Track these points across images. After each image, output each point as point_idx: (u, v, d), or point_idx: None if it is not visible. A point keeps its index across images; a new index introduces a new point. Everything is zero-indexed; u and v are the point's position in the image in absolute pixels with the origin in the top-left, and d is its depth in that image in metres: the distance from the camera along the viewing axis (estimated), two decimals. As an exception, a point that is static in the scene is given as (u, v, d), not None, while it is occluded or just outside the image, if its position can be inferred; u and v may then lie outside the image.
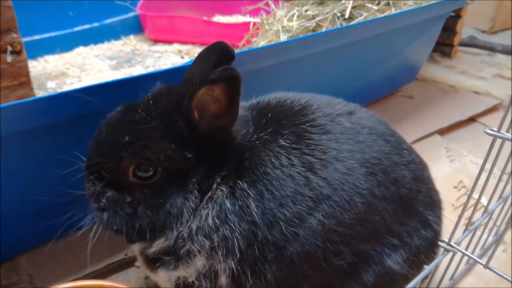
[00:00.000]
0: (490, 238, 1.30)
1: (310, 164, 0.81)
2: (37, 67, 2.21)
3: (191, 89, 0.73)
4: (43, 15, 2.33)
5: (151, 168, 0.78)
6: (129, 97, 0.86)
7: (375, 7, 1.81)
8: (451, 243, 0.95)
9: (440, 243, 0.95)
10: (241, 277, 0.80)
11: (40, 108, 0.94)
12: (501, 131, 0.77)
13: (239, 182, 0.80)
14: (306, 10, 1.90)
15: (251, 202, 0.78)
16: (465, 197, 1.57)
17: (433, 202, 0.97)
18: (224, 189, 0.80)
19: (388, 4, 1.83)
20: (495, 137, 0.79)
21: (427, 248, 0.94)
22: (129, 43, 2.59)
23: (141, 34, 2.71)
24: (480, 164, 1.73)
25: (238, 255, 0.78)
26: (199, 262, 0.81)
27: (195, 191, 0.79)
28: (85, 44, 2.48)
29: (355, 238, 0.83)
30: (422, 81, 2.43)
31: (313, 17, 1.87)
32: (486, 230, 1.23)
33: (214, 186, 0.80)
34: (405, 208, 0.90)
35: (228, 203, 0.79)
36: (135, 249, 0.91)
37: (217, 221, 0.79)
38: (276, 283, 0.82)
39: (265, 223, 0.78)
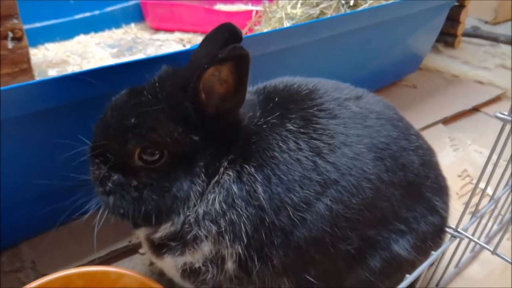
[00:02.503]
0: (495, 227, 1.30)
1: (317, 148, 0.80)
2: (37, 55, 2.19)
3: (199, 69, 0.72)
4: (44, 3, 2.30)
5: (157, 152, 0.77)
6: (133, 81, 0.84)
7: (380, -5, 1.80)
8: (459, 229, 0.95)
9: (447, 229, 0.95)
10: (248, 262, 0.80)
11: (43, 91, 0.93)
12: (512, 115, 0.76)
13: (246, 166, 0.79)
14: (310, -2, 1.88)
15: (258, 186, 0.77)
16: (470, 186, 1.57)
17: (441, 188, 0.96)
18: (231, 173, 0.79)
19: (392, -9, 1.81)
20: (505, 122, 0.78)
21: (434, 234, 0.93)
22: (130, 32, 2.57)
23: (142, 22, 2.69)
24: (484, 153, 1.76)
25: (245, 240, 0.78)
26: (206, 247, 0.80)
27: (202, 174, 0.78)
28: (86, 32, 2.46)
29: (362, 224, 0.82)
30: (426, 71, 2.42)
31: (317, 4, 1.85)
32: (491, 219, 1.22)
33: (221, 170, 0.79)
34: (413, 194, 0.89)
35: (235, 188, 0.78)
36: (141, 234, 0.90)
37: (224, 205, 0.78)
38: (283, 268, 0.81)
39: (272, 208, 0.77)
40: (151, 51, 2.32)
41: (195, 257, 0.82)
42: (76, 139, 0.82)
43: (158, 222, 0.81)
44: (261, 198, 0.77)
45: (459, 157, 1.74)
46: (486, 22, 3.18)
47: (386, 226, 0.86)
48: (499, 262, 1.20)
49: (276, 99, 0.86)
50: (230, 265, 0.82)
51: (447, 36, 2.66)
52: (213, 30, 0.82)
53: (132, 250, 1.25)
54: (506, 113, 0.76)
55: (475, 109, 2.09)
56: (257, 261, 0.80)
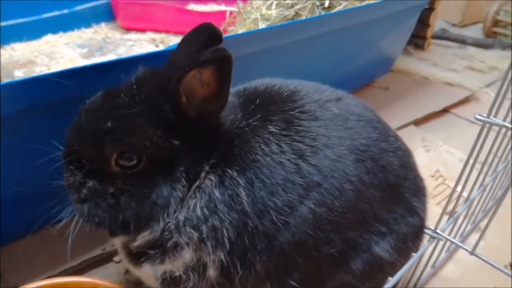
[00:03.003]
0: (468, 226, 1.33)
1: (300, 151, 0.79)
2: (4, 55, 2.10)
3: (179, 71, 0.70)
4: (10, 1, 2.21)
5: (135, 157, 0.74)
6: (108, 82, 0.81)
7: (354, -3, 1.81)
8: (437, 231, 0.96)
9: (426, 230, 0.96)
10: (230, 269, 0.78)
11: (10, 94, 0.88)
12: (490, 117, 0.77)
13: (228, 170, 0.77)
14: (285, -1, 1.88)
15: (241, 191, 0.76)
16: (443, 186, 1.60)
17: (419, 189, 0.97)
18: (212, 178, 0.77)
19: (366, -7, 1.83)
20: (484, 123, 0.79)
21: (414, 235, 0.93)
22: (100, 31, 2.50)
23: (112, 22, 2.63)
24: (455, 154, 1.80)
25: (227, 246, 0.76)
26: (187, 254, 0.77)
27: (183, 180, 0.76)
28: (54, 31, 2.38)
29: (345, 226, 0.82)
30: (397, 73, 2.46)
31: (292, 5, 1.85)
32: (465, 219, 1.25)
33: (203, 174, 0.77)
34: (393, 195, 0.89)
35: (217, 193, 0.76)
36: (117, 243, 0.87)
37: (206, 211, 0.76)
38: (266, 274, 0.80)
39: (255, 212, 0.76)
40: (123, 52, 2.26)
41: (176, 265, 0.79)
42: (49, 144, 0.79)
43: (137, 230, 0.78)
44: (244, 202, 0.75)
45: (431, 158, 1.78)
46: (453, 25, 3.27)
47: (367, 228, 0.86)
48: (473, 261, 1.23)
49: (257, 101, 0.84)
50: (212, 272, 0.79)
51: (417, 39, 2.72)
52: (192, 30, 0.80)
53: (107, 258, 1.21)
54: (485, 115, 0.77)
55: (445, 110, 2.14)
56: (239, 267, 0.78)
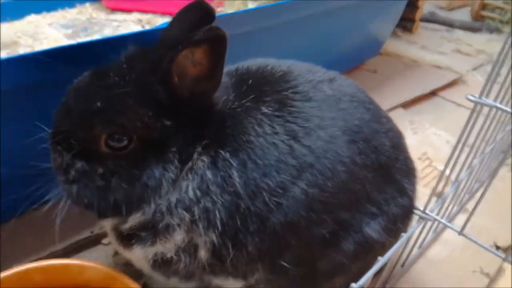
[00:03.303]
0: (455, 208, 1.34)
1: (293, 132, 0.78)
2: (-16, 36, 2.04)
3: (171, 51, 0.68)
4: (-11, -20, 2.14)
5: (125, 138, 0.72)
6: (95, 62, 0.79)
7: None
8: (426, 212, 0.97)
9: (415, 211, 0.97)
10: (222, 250, 0.78)
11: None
12: (482, 97, 0.77)
13: (221, 151, 0.76)
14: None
15: (234, 172, 0.75)
16: (430, 168, 1.61)
17: (409, 170, 0.97)
18: (205, 159, 0.76)
19: (356, -25, 1.81)
20: (476, 104, 0.79)
21: (403, 215, 0.94)
22: (85, 12, 2.42)
23: (97, 2, 2.55)
24: (442, 136, 1.81)
25: (219, 228, 0.75)
26: (179, 236, 0.77)
27: (176, 161, 0.75)
28: (37, 11, 2.29)
29: (337, 207, 0.82)
30: (386, 55, 2.46)
31: (282, -14, 1.82)
32: (452, 200, 1.26)
33: (195, 155, 0.76)
34: (384, 176, 0.90)
35: (209, 174, 0.75)
36: (106, 225, 0.86)
37: (198, 192, 0.75)
38: (258, 255, 0.80)
39: (248, 193, 0.75)
40: (108, 32, 2.20)
41: (167, 246, 0.79)
42: (34, 125, 0.77)
43: (128, 212, 0.77)
44: (237, 184, 0.75)
45: (418, 140, 1.79)
46: (441, 8, 3.27)
47: (358, 209, 0.86)
48: (459, 241, 1.25)
49: (250, 81, 0.83)
50: (203, 254, 0.79)
51: (406, 21, 2.71)
52: (183, 8, 0.78)
53: (95, 240, 1.20)
54: (477, 96, 0.77)
55: (433, 93, 2.16)
56: (231, 248, 0.78)
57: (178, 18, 0.78)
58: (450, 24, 2.89)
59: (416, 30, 2.77)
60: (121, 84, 0.72)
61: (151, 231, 0.78)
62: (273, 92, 0.82)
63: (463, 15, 3.13)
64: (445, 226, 0.97)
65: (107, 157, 0.73)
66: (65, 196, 0.77)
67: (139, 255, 0.82)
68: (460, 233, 0.92)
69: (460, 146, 0.88)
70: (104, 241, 1.19)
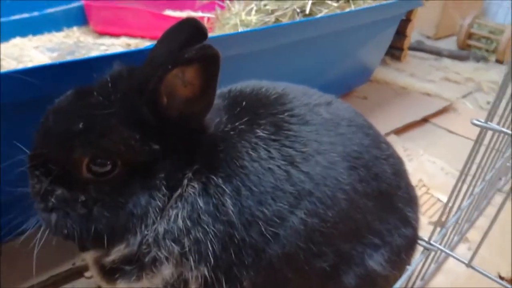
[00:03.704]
0: (455, 238, 1.30)
1: (290, 157, 0.73)
2: (-34, 58, 1.98)
3: (161, 69, 0.63)
4: (-26, 1, 2.10)
5: (108, 162, 0.66)
6: (78, 83, 0.74)
7: (335, 4, 1.79)
8: (431, 242, 0.92)
9: (420, 242, 0.92)
10: (214, 285, 0.71)
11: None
12: (488, 122, 0.73)
13: (213, 177, 0.70)
14: (265, 5, 1.84)
15: (227, 199, 0.69)
16: (426, 196, 1.57)
17: (411, 198, 0.93)
18: (196, 185, 0.70)
19: (348, 1, 1.81)
20: (482, 128, 0.76)
21: (408, 246, 0.89)
22: (72, 35, 2.40)
23: (85, 26, 2.53)
24: (437, 163, 1.78)
25: (212, 261, 0.69)
26: (167, 270, 0.70)
27: (163, 187, 0.69)
28: (23, 34, 2.26)
29: (337, 238, 0.76)
30: (375, 83, 2.46)
31: (273, 11, 1.81)
32: (453, 230, 1.22)
33: (185, 182, 0.70)
34: (386, 205, 0.85)
35: (200, 202, 0.69)
36: (88, 258, 0.79)
37: (188, 222, 0.69)
38: None
39: (242, 223, 0.69)
40: (96, 56, 2.17)
41: (154, 282, 0.72)
42: (12, 147, 0.71)
43: (111, 244, 0.70)
44: (230, 212, 0.69)
45: (413, 167, 1.75)
46: (428, 37, 3.31)
47: (360, 240, 0.81)
48: (462, 271, 1.20)
49: (244, 103, 0.78)
50: None
51: (394, 50, 2.73)
52: (174, 25, 0.73)
53: (77, 273, 1.12)
54: (483, 121, 0.73)
55: (424, 120, 2.15)
56: (225, 283, 0.71)
57: (168, 36, 0.73)
58: (437, 53, 2.92)
59: (405, 58, 2.80)
60: (105, 104, 0.66)
61: (137, 264, 0.71)
62: (268, 115, 0.77)
63: (449, 44, 3.18)
64: (451, 257, 0.91)
65: (89, 182, 0.67)
66: (44, 225, 0.70)
67: None
68: (468, 265, 0.87)
69: (463, 176, 0.84)
70: (87, 274, 1.12)
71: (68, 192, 0.68)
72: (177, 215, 0.69)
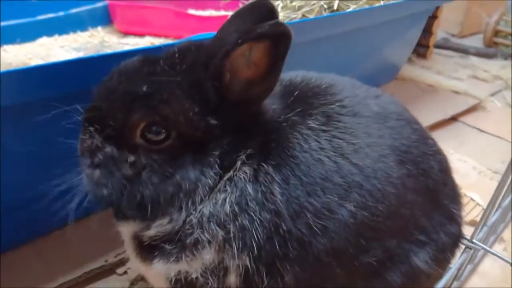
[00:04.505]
0: (491, 238, 1.26)
1: (341, 148, 0.71)
2: (-4, 57, 2.00)
3: (229, 44, 0.61)
4: (3, 2, 2.12)
5: (163, 130, 0.65)
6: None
7: (364, 0, 1.76)
8: (474, 240, 0.89)
9: (463, 240, 0.89)
10: (254, 277, 0.69)
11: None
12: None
13: (264, 164, 0.68)
14: (292, 1, 1.82)
15: (276, 188, 0.67)
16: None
17: (456, 196, 0.90)
18: (247, 170, 0.68)
19: (375, -3, 1.78)
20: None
21: (453, 244, 0.86)
22: (97, 35, 2.41)
23: (109, 26, 2.54)
24: (468, 162, 1.74)
25: (255, 251, 0.67)
26: (208, 255, 0.68)
27: (216, 166, 0.67)
28: (49, 34, 2.28)
29: (385, 233, 0.74)
30: (401, 80, 2.42)
31: (299, 8, 1.79)
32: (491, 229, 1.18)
33: (238, 164, 0.68)
34: (432, 201, 0.82)
35: (250, 188, 0.67)
36: (125, 231, 0.76)
37: (236, 208, 0.67)
38: (296, 285, 0.71)
39: (289, 213, 0.67)
40: (121, 56, 2.17)
41: (193, 265, 0.69)
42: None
43: (154, 215, 0.68)
44: (278, 201, 0.67)
45: (445, 166, 1.71)
46: (453, 35, 3.25)
47: (406, 236, 0.78)
48: (497, 274, 1.16)
49: (296, 92, 0.76)
50: (233, 279, 0.70)
51: (420, 47, 2.68)
52: (244, 6, 0.71)
53: (109, 270, 1.11)
54: None
55: (453, 118, 2.10)
56: (265, 276, 0.69)
57: (238, 15, 0.71)
58: (464, 51, 2.86)
59: (430, 56, 2.75)
60: (170, 73, 0.65)
61: (177, 244, 0.69)
62: (319, 105, 0.75)
63: (474, 42, 3.11)
64: (487, 258, 0.88)
65: (140, 149, 0.66)
66: (84, 182, 0.67)
67: (159, 271, 0.72)
68: (513, 263, 0.84)
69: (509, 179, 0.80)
70: (119, 271, 1.11)
71: (117, 152, 0.66)
72: (224, 199, 0.67)
